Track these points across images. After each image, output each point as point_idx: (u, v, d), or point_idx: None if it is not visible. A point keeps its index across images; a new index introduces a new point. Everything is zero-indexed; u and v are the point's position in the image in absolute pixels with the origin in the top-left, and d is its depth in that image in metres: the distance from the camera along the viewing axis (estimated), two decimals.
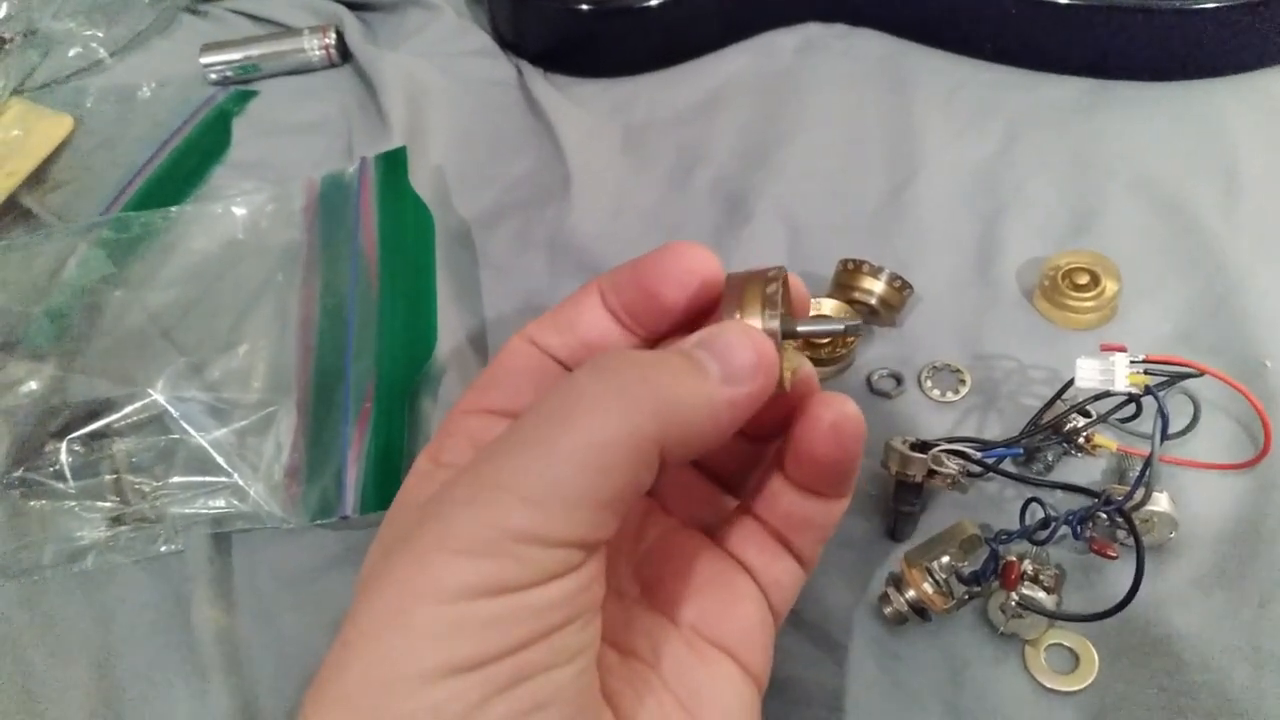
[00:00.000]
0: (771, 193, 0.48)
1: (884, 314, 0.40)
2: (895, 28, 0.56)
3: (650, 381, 0.22)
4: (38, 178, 0.54)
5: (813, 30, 0.57)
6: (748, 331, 0.23)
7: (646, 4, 0.54)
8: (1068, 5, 0.50)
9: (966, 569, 0.32)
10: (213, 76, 0.59)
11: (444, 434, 0.27)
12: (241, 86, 0.59)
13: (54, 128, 0.57)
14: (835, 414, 0.25)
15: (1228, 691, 0.31)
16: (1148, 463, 0.31)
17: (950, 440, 0.34)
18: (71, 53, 0.61)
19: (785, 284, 0.25)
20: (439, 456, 0.27)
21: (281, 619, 0.36)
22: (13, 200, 0.53)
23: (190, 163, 0.53)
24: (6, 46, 0.62)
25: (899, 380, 0.40)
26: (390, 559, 0.21)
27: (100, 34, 0.62)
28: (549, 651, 0.21)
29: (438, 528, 0.21)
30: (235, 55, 0.59)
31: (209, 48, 0.59)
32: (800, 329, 0.25)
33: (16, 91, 0.60)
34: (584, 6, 0.54)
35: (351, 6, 0.61)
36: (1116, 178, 0.46)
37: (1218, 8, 0.48)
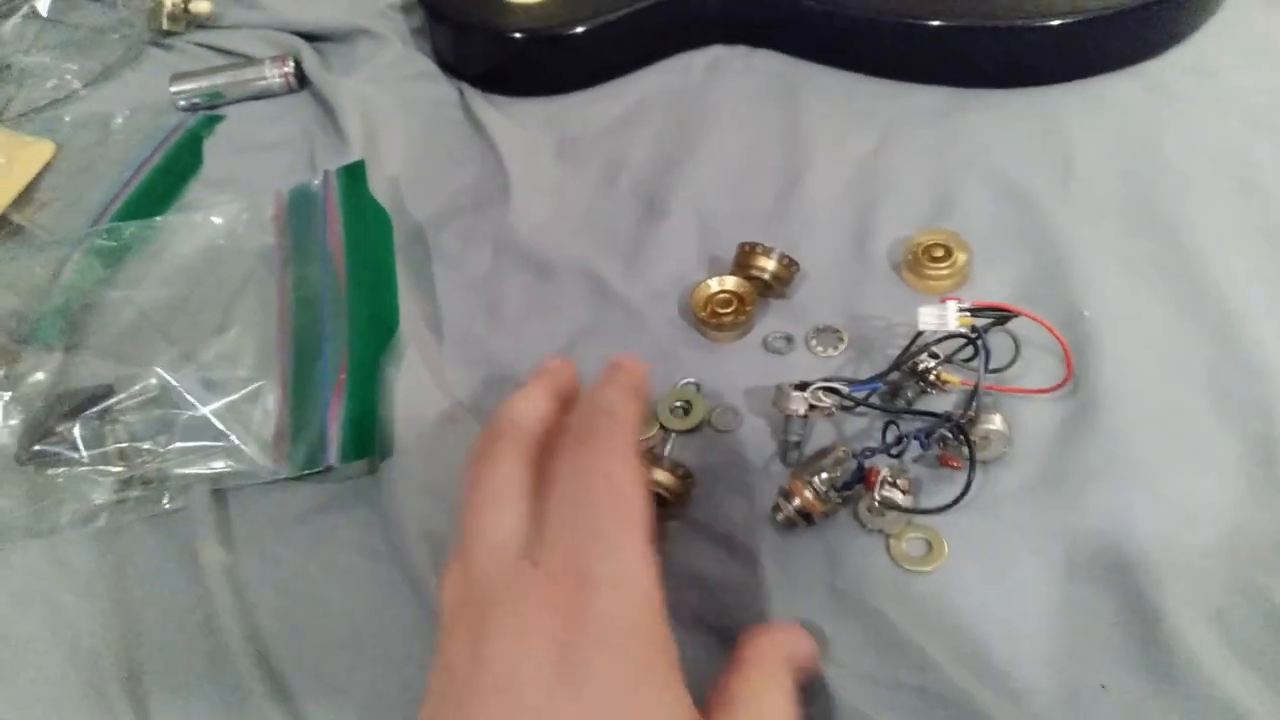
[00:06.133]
0: (684, 192, 0.55)
1: (776, 287, 0.48)
2: (790, 48, 0.64)
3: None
4: (26, 197, 0.59)
5: (719, 52, 0.65)
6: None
7: (573, 31, 0.60)
8: (935, 26, 0.58)
9: (840, 480, 0.39)
10: (181, 103, 0.64)
11: None
12: (208, 112, 0.64)
13: (37, 153, 0.62)
14: None
15: (1051, 566, 0.38)
16: (976, 385, 0.39)
17: (825, 380, 0.42)
18: (49, 84, 0.66)
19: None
20: None
21: (277, 555, 0.42)
22: (4, 218, 0.58)
23: (167, 180, 0.59)
24: None
25: (789, 340, 0.47)
26: None
27: (74, 66, 0.68)
28: None
29: None
30: (202, 83, 0.64)
31: (178, 77, 0.64)
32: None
33: None
34: (517, 34, 0.60)
35: (307, 38, 0.67)
36: (971, 169, 0.54)
37: (1058, 24, 0.57)
